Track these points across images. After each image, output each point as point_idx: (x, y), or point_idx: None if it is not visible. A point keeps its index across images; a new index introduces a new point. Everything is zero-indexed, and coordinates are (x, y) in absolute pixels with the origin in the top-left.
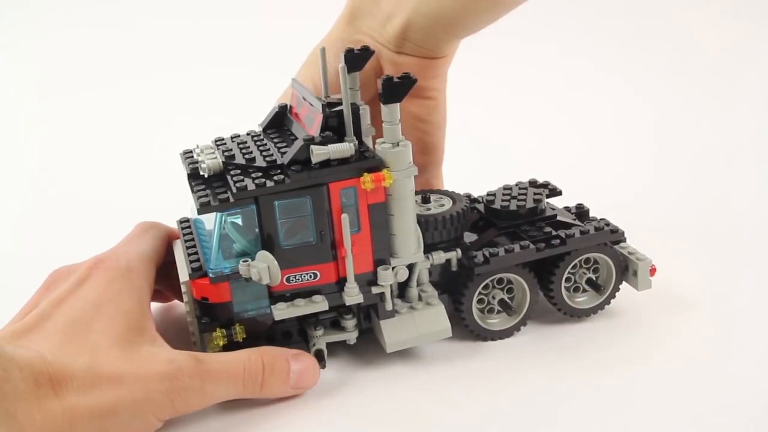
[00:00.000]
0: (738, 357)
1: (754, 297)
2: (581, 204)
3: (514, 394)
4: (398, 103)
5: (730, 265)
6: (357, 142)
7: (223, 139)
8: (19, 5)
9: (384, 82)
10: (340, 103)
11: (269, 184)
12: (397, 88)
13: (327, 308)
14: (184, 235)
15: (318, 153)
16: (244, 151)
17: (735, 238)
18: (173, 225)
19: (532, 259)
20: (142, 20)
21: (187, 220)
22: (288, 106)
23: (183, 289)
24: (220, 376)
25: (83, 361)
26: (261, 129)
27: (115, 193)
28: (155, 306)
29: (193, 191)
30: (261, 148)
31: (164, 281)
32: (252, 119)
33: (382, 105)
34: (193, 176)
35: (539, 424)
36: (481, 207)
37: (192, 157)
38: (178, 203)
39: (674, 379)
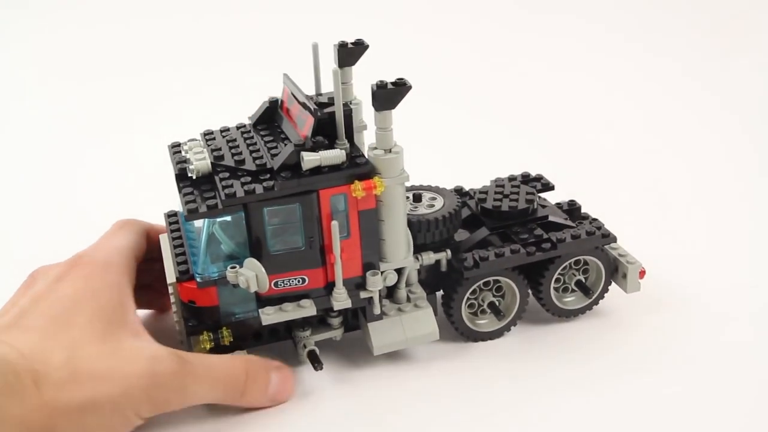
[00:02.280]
0: (725, 354)
1: (743, 297)
2: (573, 200)
3: (504, 393)
4: (391, 110)
5: (720, 265)
6: (348, 146)
7: (212, 133)
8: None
9: (377, 89)
10: (332, 103)
11: (258, 190)
12: (391, 95)
13: (315, 313)
14: (172, 231)
15: (308, 160)
16: (233, 150)
17: (726, 237)
18: (161, 218)
19: (522, 263)
20: (125, 16)
21: (175, 214)
22: (279, 101)
23: (170, 290)
24: (203, 379)
25: (62, 356)
26: (251, 123)
27: (101, 191)
28: (149, 314)
29: (180, 195)
30: (251, 147)
31: (152, 274)
32: (240, 111)
33: (375, 112)
34: (181, 177)
35: (529, 423)
36: (471, 202)
37: (180, 152)
38: (166, 197)
39: (662, 378)
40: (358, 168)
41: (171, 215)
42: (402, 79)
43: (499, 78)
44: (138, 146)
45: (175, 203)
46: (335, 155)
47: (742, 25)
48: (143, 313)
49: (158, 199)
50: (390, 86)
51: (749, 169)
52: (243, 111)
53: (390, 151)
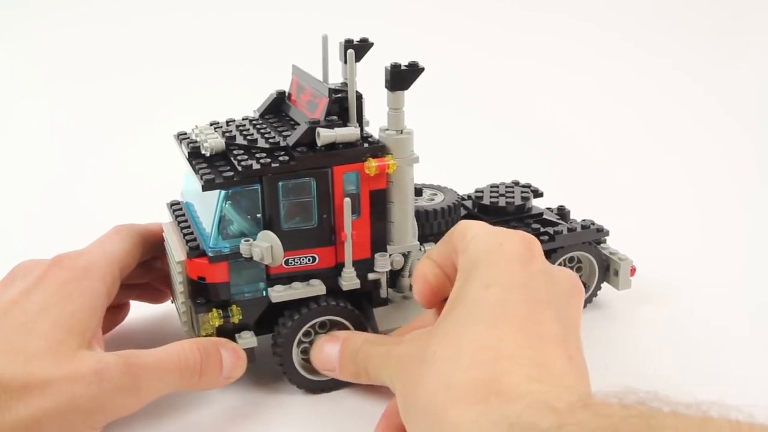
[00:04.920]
0: (731, 345)
1: (734, 286)
2: (562, 206)
3: None
4: (404, 91)
5: (709, 264)
6: (360, 129)
7: (218, 123)
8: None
9: (392, 69)
10: (341, 91)
11: (274, 163)
12: (404, 76)
13: (324, 292)
14: (177, 217)
15: (325, 135)
16: (244, 133)
17: (710, 231)
18: (157, 216)
19: None
20: (116, 18)
21: (178, 203)
22: (286, 93)
23: (178, 269)
24: (154, 371)
25: (14, 370)
26: (258, 114)
27: (101, 190)
28: (152, 310)
29: (195, 170)
30: (261, 130)
31: (150, 274)
32: (238, 110)
33: (387, 92)
34: (194, 155)
35: None
36: (467, 203)
37: (188, 138)
38: (165, 193)
39: (664, 369)
40: (372, 147)
41: (174, 203)
42: (414, 61)
43: (488, 86)
44: (135, 144)
45: (175, 194)
46: (350, 132)
47: (740, 27)
48: (144, 309)
49: (158, 195)
50: (403, 67)
51: (739, 171)
52: (240, 110)
53: (401, 132)
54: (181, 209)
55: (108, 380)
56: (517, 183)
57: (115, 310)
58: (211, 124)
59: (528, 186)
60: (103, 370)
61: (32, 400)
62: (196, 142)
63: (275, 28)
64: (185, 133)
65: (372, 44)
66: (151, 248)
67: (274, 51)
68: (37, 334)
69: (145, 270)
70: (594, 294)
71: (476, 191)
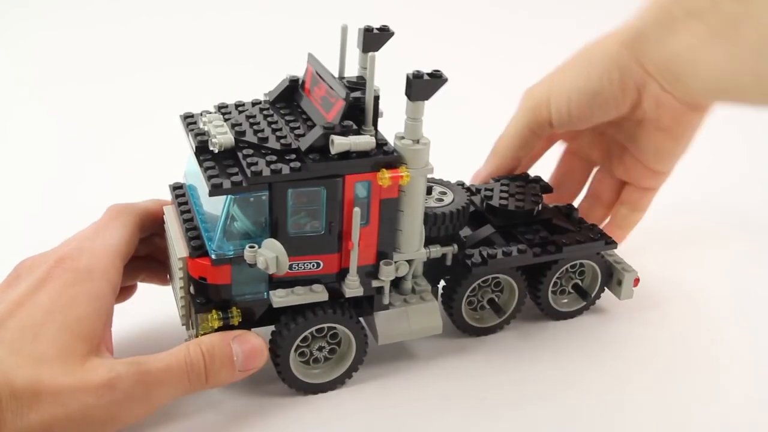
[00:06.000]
0: (718, 351)
1: (732, 291)
2: (571, 204)
3: (505, 389)
4: (424, 101)
5: (705, 263)
6: (374, 133)
7: (227, 106)
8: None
9: (413, 79)
10: (357, 87)
11: (285, 170)
12: (427, 86)
13: (326, 299)
14: (180, 204)
15: (339, 144)
16: (255, 127)
17: (709, 235)
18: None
19: (528, 263)
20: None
21: (181, 186)
22: (300, 81)
23: (179, 265)
24: (163, 377)
25: (24, 376)
26: (269, 101)
27: (98, 180)
28: (152, 308)
29: (203, 170)
30: (272, 125)
31: (150, 248)
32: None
33: (407, 101)
34: (201, 151)
35: (529, 415)
36: (475, 199)
37: (195, 123)
38: (164, 179)
39: (658, 375)
40: (386, 157)
41: (177, 187)
42: (438, 70)
43: (501, 77)
44: (138, 133)
45: (176, 176)
46: (365, 141)
47: None
48: (144, 308)
49: (159, 179)
50: (426, 77)
51: (747, 175)
52: (250, 93)
53: (418, 142)
54: (183, 194)
55: (120, 390)
56: (526, 177)
57: (122, 291)
58: (219, 108)
59: (537, 181)
60: (115, 381)
61: (43, 408)
62: (204, 134)
63: (286, 18)
64: (191, 116)
65: (392, 33)
66: (150, 228)
67: (280, 39)
68: (44, 339)
69: (144, 245)
70: (597, 296)
71: (486, 188)
